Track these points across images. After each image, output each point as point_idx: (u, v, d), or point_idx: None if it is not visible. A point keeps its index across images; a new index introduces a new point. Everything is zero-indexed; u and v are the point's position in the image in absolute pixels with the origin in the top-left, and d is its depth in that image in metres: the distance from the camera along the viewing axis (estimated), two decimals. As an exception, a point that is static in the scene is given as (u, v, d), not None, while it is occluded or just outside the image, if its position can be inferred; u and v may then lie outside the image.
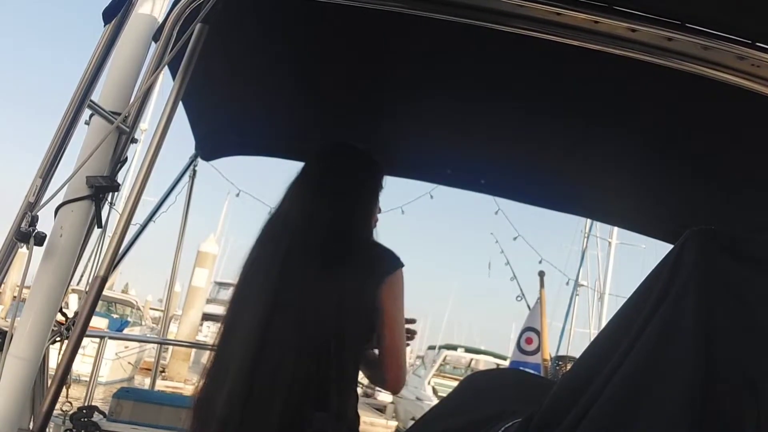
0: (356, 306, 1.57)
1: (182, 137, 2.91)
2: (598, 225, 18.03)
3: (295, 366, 1.48)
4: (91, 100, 1.50)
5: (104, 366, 14.38)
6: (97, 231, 1.53)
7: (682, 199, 2.55)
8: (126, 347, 16.72)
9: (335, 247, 1.60)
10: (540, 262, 10.17)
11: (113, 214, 1.56)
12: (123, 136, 1.55)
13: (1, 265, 1.42)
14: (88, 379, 3.32)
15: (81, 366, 7.53)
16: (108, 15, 1.54)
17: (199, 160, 3.17)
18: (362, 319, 1.58)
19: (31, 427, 1.57)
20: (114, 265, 1.42)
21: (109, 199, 1.52)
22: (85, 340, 1.34)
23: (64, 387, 1.40)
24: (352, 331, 1.56)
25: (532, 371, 5.51)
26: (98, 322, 14.35)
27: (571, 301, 18.53)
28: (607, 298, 23.05)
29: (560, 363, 5.84)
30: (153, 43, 1.62)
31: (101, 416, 2.54)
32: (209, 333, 22.60)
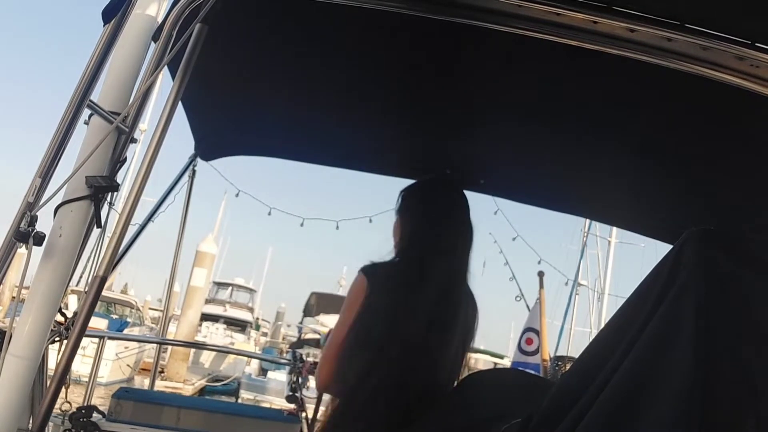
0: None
1: (182, 137, 2.92)
2: (597, 224, 18.07)
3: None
4: (90, 100, 1.50)
5: (104, 367, 14.38)
6: (96, 231, 1.53)
7: (681, 200, 2.55)
8: (126, 348, 16.72)
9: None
10: (539, 262, 10.17)
11: (112, 214, 1.56)
12: (122, 136, 1.55)
13: (0, 265, 1.42)
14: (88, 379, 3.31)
15: (81, 367, 7.52)
16: (107, 15, 1.54)
17: (199, 160, 3.17)
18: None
19: (30, 426, 1.57)
20: (113, 265, 1.42)
21: (109, 199, 1.52)
22: (86, 341, 1.34)
23: (63, 387, 1.40)
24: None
25: (532, 371, 5.51)
26: (98, 323, 14.35)
27: (570, 299, 18.55)
28: (607, 297, 23.10)
29: (559, 363, 5.84)
30: (152, 43, 1.62)
31: (100, 416, 2.54)
32: (208, 333, 22.61)
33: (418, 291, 1.77)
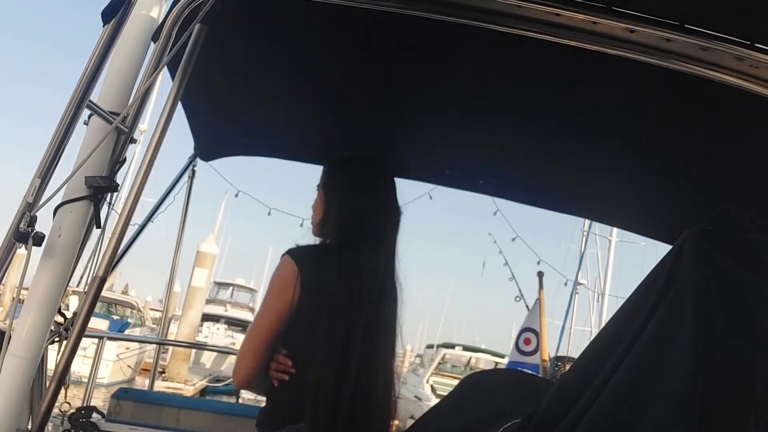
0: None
1: (182, 137, 2.92)
2: (597, 223, 18.06)
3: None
4: (90, 101, 1.50)
5: (105, 368, 14.37)
6: (96, 231, 1.53)
7: (680, 200, 2.55)
8: (127, 348, 16.71)
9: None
10: (538, 262, 10.18)
11: (112, 214, 1.56)
12: (122, 136, 1.55)
13: (0, 265, 1.42)
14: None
15: (82, 368, 7.52)
16: (107, 15, 1.54)
17: (198, 160, 3.17)
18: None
19: (29, 427, 1.57)
20: (113, 265, 1.42)
21: (108, 199, 1.52)
22: (87, 342, 1.35)
23: (63, 387, 1.40)
24: None
25: (530, 372, 5.52)
26: (98, 324, 14.31)
27: (570, 299, 18.55)
28: (607, 297, 23.09)
29: (559, 363, 5.84)
30: (152, 43, 1.62)
31: (100, 417, 2.54)
32: (209, 333, 22.61)
33: (347, 279, 1.66)
